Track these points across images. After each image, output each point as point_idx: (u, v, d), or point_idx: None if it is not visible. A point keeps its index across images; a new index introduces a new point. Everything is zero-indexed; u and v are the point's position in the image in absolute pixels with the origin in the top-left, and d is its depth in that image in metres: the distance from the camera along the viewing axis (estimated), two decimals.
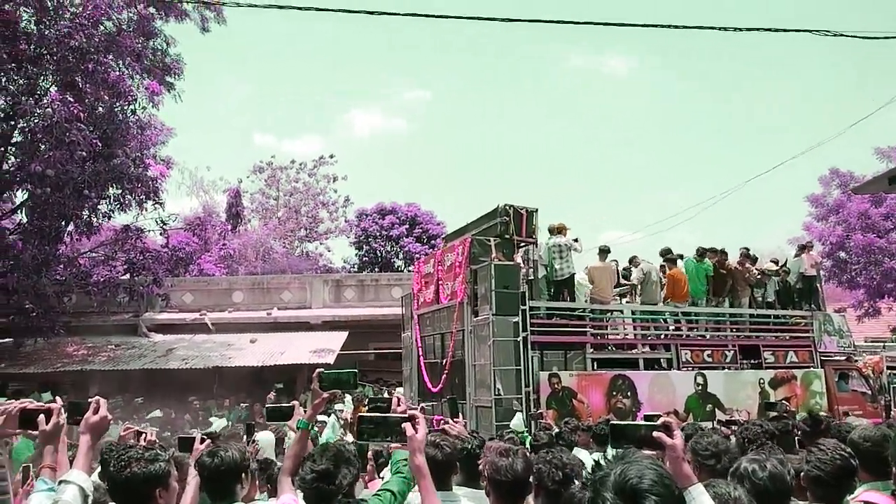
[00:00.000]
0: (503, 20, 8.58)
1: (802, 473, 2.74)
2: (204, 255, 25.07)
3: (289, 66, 64.53)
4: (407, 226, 34.07)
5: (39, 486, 2.48)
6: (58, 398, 2.71)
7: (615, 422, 2.61)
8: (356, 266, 34.97)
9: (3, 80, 13.99)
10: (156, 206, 16.39)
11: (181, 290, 19.59)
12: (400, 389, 14.28)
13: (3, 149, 14.46)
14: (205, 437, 3.37)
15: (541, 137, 67.65)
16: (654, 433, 2.12)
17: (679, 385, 10.81)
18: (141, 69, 15.09)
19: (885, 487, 2.68)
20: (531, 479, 2.71)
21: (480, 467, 2.84)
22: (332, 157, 35.48)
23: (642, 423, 2.41)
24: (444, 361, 10.95)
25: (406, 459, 2.87)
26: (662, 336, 11.65)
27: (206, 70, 43.44)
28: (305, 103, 64.30)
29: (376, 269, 31.85)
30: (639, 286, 11.63)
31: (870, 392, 12.67)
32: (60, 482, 2.28)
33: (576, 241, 10.92)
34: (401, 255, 34.25)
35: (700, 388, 10.90)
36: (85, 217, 15.22)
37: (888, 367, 15.47)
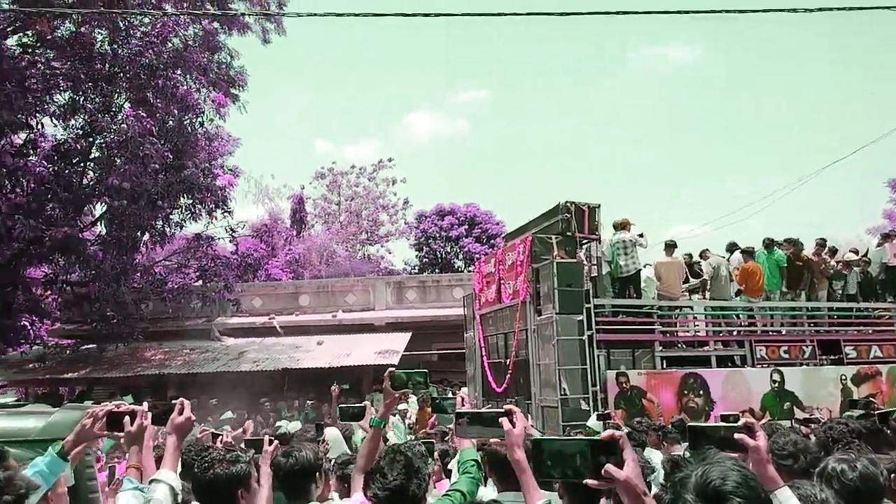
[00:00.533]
0: (560, 14, 8.48)
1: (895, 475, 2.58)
2: (271, 261, 25.84)
3: (347, 73, 65.61)
4: (466, 226, 34.13)
5: (126, 486, 2.59)
6: (145, 403, 2.80)
7: (693, 423, 2.51)
8: (416, 268, 35.26)
9: (82, 99, 14.77)
10: (225, 214, 16.99)
11: (250, 294, 20.19)
12: (464, 390, 14.30)
13: (82, 164, 15.26)
14: (272, 438, 3.44)
15: (601, 132, 66.44)
16: (736, 435, 2.03)
17: (754, 382, 10.42)
18: (207, 82, 15.63)
19: None
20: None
21: None
22: (390, 160, 35.97)
23: (721, 424, 2.31)
24: (508, 361, 10.89)
25: (475, 460, 2.85)
26: (735, 332, 11.24)
27: (267, 80, 44.80)
28: (364, 108, 65.27)
29: (436, 271, 32.03)
30: (709, 281, 11.27)
31: None
32: (152, 481, 2.38)
33: (641, 236, 10.67)
34: (460, 256, 34.33)
35: (777, 385, 10.47)
36: (159, 227, 15.92)
37: None
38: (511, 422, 2.21)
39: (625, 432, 1.56)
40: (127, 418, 2.58)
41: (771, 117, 63.37)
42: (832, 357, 11.29)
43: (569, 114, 64.47)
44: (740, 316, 11.40)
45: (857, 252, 12.65)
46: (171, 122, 15.16)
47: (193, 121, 15.77)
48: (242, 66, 16.34)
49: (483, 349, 12.26)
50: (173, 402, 2.62)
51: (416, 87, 64.94)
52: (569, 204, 10.33)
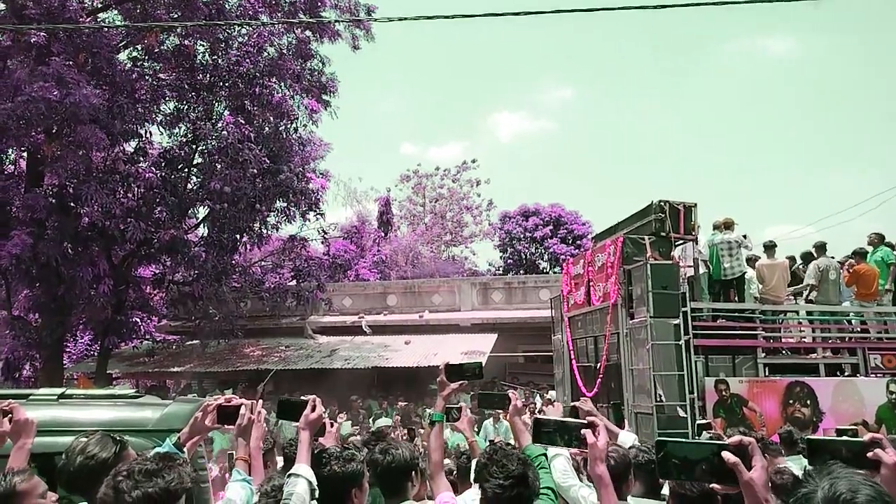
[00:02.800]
0: (649, 8, 8.17)
1: None
2: (360, 262, 26.48)
3: (433, 75, 66.41)
4: (551, 227, 33.68)
5: (235, 476, 2.69)
6: (261, 398, 2.90)
7: (813, 437, 2.33)
8: (501, 269, 35.15)
9: (186, 108, 15.67)
10: (317, 216, 17.64)
11: (341, 294, 20.76)
12: (553, 393, 14.09)
13: (186, 170, 16.20)
14: (333, 421, 3.50)
15: (693, 128, 63.94)
16: (869, 452, 1.86)
17: (867, 393, 9.66)
18: (300, 89, 16.20)
19: None
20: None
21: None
22: (474, 161, 36.07)
23: (844, 438, 2.13)
24: (598, 365, 10.62)
25: (544, 455, 2.77)
26: (847, 339, 10.48)
27: (355, 85, 45.98)
28: (449, 110, 65.83)
29: (521, 272, 31.80)
30: (816, 283, 10.56)
31: None
32: (290, 475, 2.46)
33: (745, 237, 10.15)
34: (545, 257, 33.92)
35: (894, 396, 9.67)
36: (256, 229, 16.69)
37: None
38: (595, 434, 2.16)
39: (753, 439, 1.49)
40: (241, 411, 2.68)
41: (881, 107, 58.91)
42: None
43: (658, 110, 62.46)
44: (852, 322, 10.62)
45: None
46: (267, 129, 15.83)
47: (288, 127, 16.38)
48: (333, 73, 16.83)
49: (572, 352, 12.03)
50: (302, 397, 2.70)
51: (501, 86, 64.84)
52: (663, 203, 9.95)
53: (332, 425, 3.63)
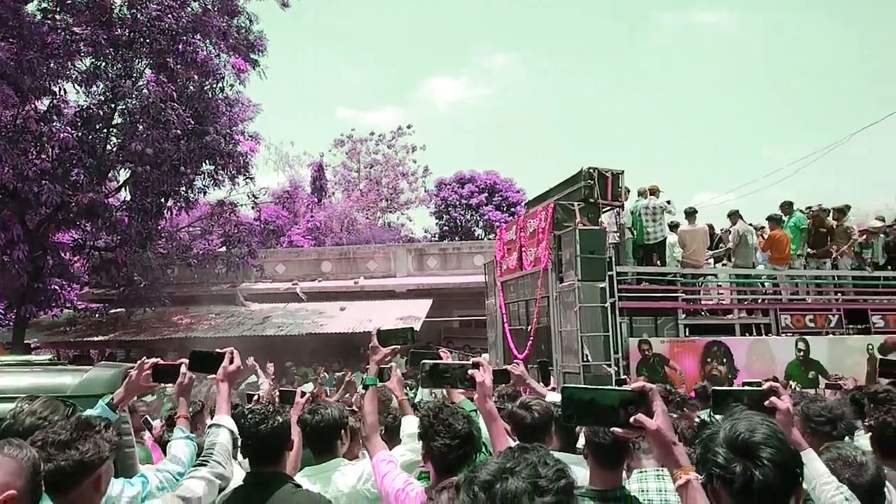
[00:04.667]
0: None
1: None
2: (292, 228, 26.00)
3: (369, 37, 65.01)
4: (486, 194, 33.98)
5: (177, 434, 2.65)
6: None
7: (717, 387, 2.50)
8: (437, 235, 35.28)
9: (104, 65, 14.79)
10: (247, 180, 17.11)
11: (274, 261, 20.39)
12: (486, 356, 14.38)
13: (105, 130, 15.36)
14: (314, 394, 3.53)
15: (628, 96, 65.28)
16: (768, 398, 2.02)
17: (778, 351, 10.33)
18: (227, 47, 15.56)
19: None
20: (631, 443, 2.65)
21: (577, 430, 2.79)
22: (409, 127, 35.74)
23: (746, 388, 2.29)
24: (530, 328, 10.91)
25: (474, 410, 2.86)
26: (760, 300, 11.12)
27: (287, 46, 44.53)
28: (387, 75, 64.75)
29: (457, 238, 32.02)
30: (734, 248, 11.11)
31: None
32: (211, 426, 2.44)
33: (669, 202, 10.52)
34: (481, 224, 34.26)
35: (801, 354, 10.37)
36: (182, 193, 16.08)
37: None
38: (482, 374, 2.26)
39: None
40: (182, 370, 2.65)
41: (802, 82, 61.70)
42: (859, 326, 11.13)
43: (594, 78, 63.38)
44: (765, 284, 11.25)
45: (883, 220, 12.37)
46: (191, 88, 15.17)
47: (214, 86, 15.77)
48: (262, 31, 16.25)
49: (504, 316, 12.29)
50: (217, 350, 2.66)
51: (440, 52, 64.21)
52: (591, 170, 10.19)
53: (302, 395, 3.64)
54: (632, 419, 1.50)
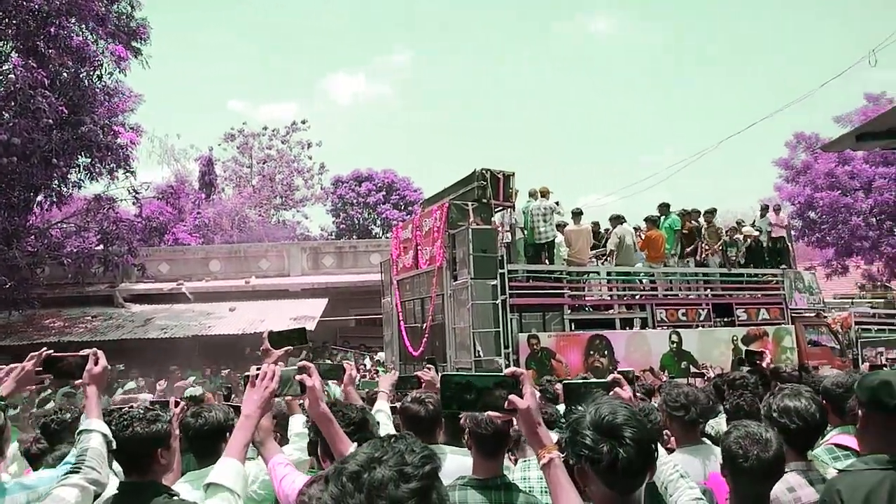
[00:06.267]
0: None
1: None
2: (178, 225, 24.78)
3: (265, 30, 63.00)
4: (384, 192, 33.95)
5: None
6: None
7: (567, 380, 2.71)
8: (333, 234, 34.84)
9: None
10: (127, 174, 16.16)
11: (157, 259, 19.38)
12: (381, 354, 14.41)
13: None
14: (178, 400, 3.41)
15: (520, 103, 67.25)
16: (612, 390, 2.27)
17: (654, 343, 11.04)
18: (105, 34, 14.65)
19: (854, 430, 2.80)
20: (511, 432, 2.78)
21: (462, 422, 2.89)
22: (304, 122, 35.00)
23: (593, 380, 2.50)
24: (425, 326, 11.04)
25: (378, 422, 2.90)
26: (638, 296, 11.84)
27: (173, 34, 42.30)
28: (284, 68, 63.03)
29: (354, 237, 31.78)
30: (615, 249, 11.78)
31: (838, 347, 13.08)
32: (81, 431, 2.31)
33: (557, 203, 10.99)
34: (378, 222, 34.20)
35: (675, 345, 11.14)
36: (54, 187, 14.97)
37: (856, 323, 15.93)
38: (311, 378, 2.27)
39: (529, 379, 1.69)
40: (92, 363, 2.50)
41: (682, 91, 66.04)
42: (725, 319, 12.12)
43: (490, 80, 64.75)
44: (643, 281, 12.00)
45: (741, 223, 13.60)
46: (65, 75, 14.18)
47: (91, 74, 14.78)
48: (145, 18, 15.41)
49: (400, 314, 12.35)
50: (81, 352, 2.53)
51: (339, 48, 63.35)
52: (484, 171, 10.47)
53: (176, 404, 3.44)
54: (505, 403, 1.61)
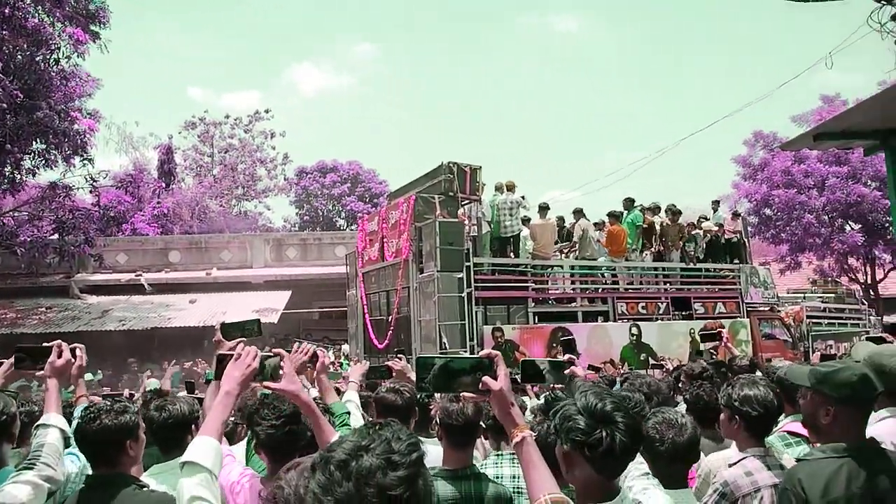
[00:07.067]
0: None
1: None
2: (137, 214, 24.20)
3: (228, 16, 61.73)
4: (349, 184, 33.69)
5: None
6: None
7: (525, 358, 2.80)
8: (297, 225, 34.47)
9: None
10: (84, 162, 15.70)
11: (115, 250, 18.92)
12: (346, 347, 14.36)
13: None
14: (132, 393, 3.38)
15: (487, 93, 67.42)
16: (566, 369, 2.43)
17: (615, 336, 11.26)
18: (63, 16, 14.17)
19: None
20: (482, 422, 2.84)
21: (432, 412, 2.94)
22: (268, 111, 34.46)
23: (548, 359, 2.57)
24: (390, 318, 11.05)
25: (347, 413, 2.88)
26: (600, 290, 12.06)
27: (134, 18, 41.15)
28: (248, 56, 61.92)
29: (318, 229, 31.49)
30: (578, 243, 11.96)
31: (791, 340, 13.53)
32: (38, 426, 2.27)
33: (523, 198, 11.11)
34: (343, 214, 33.94)
35: (635, 338, 11.38)
36: (7, 173, 14.45)
37: (808, 317, 16.48)
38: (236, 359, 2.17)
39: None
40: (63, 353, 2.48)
41: (644, 89, 67.08)
42: (683, 313, 12.43)
43: (455, 73, 64.73)
44: (605, 275, 12.21)
45: (705, 218, 13.94)
46: (20, 58, 13.68)
47: (47, 57, 14.30)
48: (104, 1, 14.95)
49: (365, 307, 12.33)
50: (44, 344, 2.49)
51: (304, 37, 62.47)
52: (451, 164, 10.51)
53: (130, 398, 3.39)
54: (479, 384, 1.66)
